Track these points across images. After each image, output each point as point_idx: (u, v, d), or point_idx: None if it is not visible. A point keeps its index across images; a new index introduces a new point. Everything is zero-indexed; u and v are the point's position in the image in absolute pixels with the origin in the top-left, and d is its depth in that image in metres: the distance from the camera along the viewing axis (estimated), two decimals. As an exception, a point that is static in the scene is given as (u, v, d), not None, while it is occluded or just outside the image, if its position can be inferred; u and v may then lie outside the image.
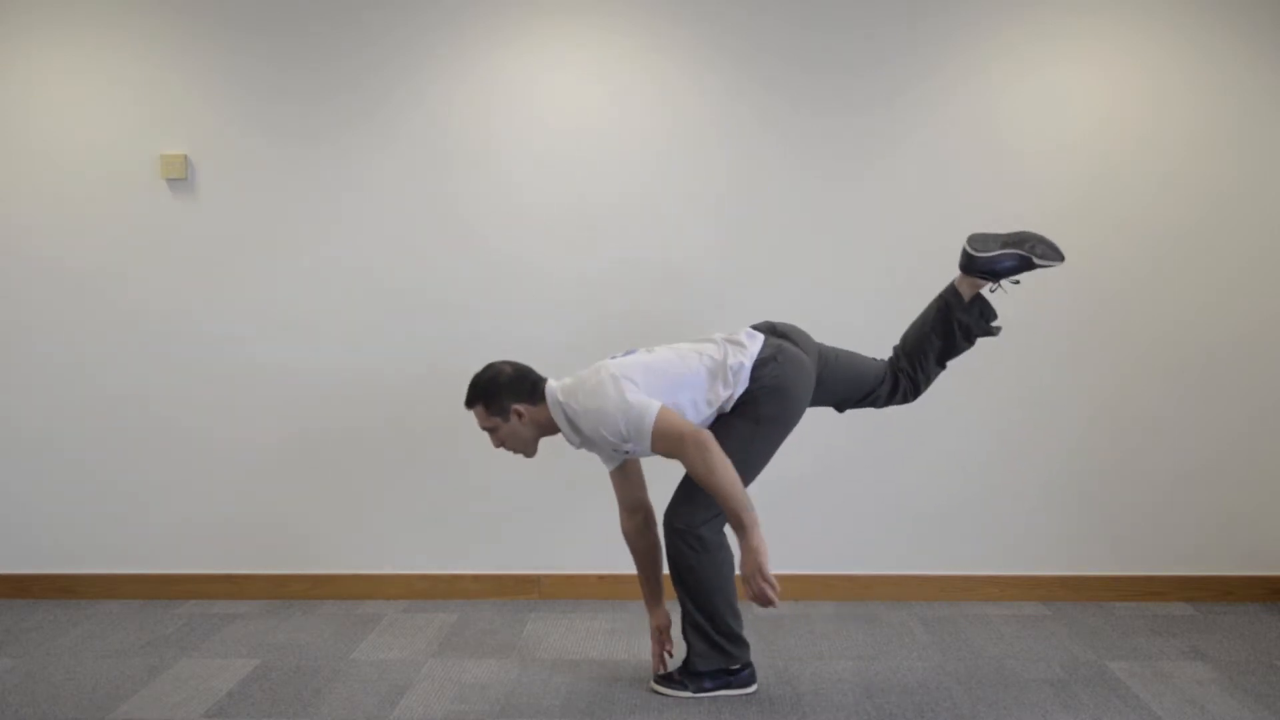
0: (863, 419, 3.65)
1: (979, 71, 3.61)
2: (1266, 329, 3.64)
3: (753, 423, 2.79)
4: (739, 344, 2.84)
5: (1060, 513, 3.68)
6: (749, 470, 2.80)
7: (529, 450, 2.91)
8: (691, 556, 2.80)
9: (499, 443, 2.88)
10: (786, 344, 2.86)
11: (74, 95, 3.65)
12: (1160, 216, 3.62)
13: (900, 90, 3.60)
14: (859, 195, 3.63)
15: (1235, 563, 3.68)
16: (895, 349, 3.08)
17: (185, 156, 3.65)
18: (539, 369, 3.65)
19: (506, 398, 2.82)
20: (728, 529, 2.80)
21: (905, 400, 3.07)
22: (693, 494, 2.79)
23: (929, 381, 3.07)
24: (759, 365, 2.80)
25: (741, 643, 2.88)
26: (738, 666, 2.87)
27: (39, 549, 3.74)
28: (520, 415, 2.82)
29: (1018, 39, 3.60)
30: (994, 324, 3.01)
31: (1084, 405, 3.66)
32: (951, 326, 2.98)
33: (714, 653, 2.85)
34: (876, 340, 3.63)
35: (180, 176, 3.64)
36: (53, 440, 3.71)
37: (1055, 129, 3.61)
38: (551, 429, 2.85)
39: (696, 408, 2.77)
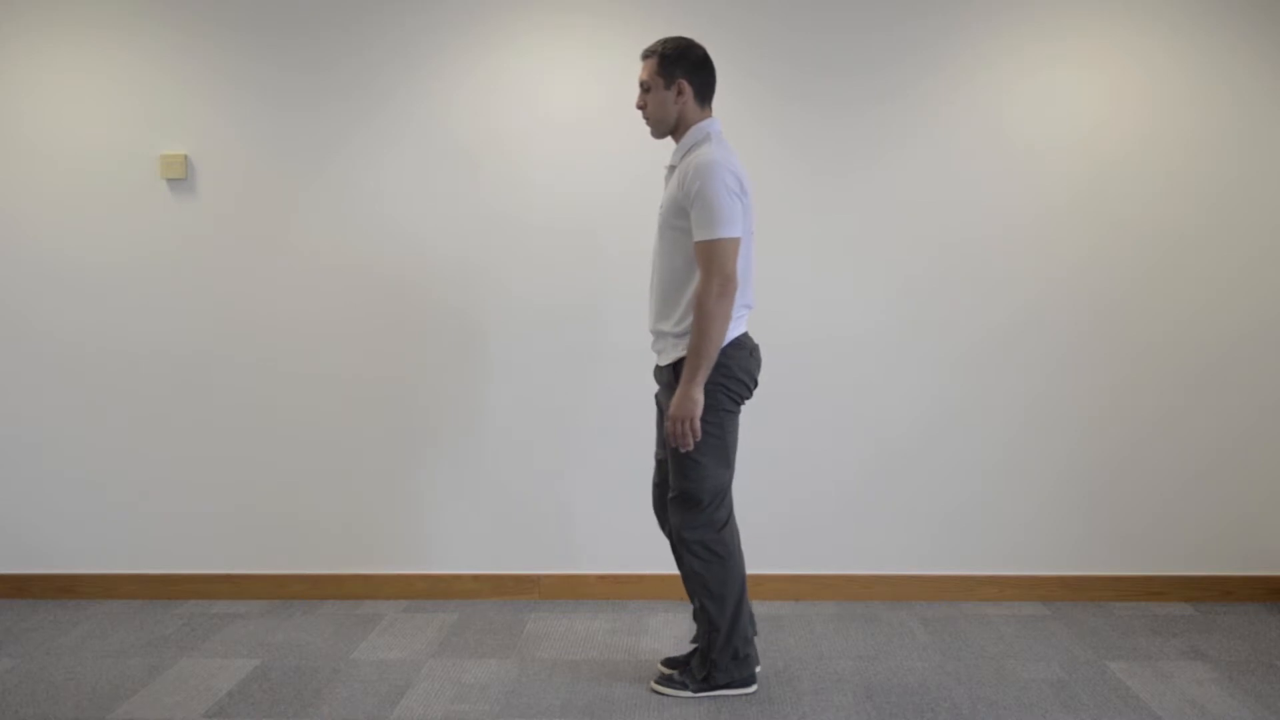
0: (863, 420, 3.66)
1: (979, 72, 3.60)
2: (1266, 329, 3.64)
3: (725, 413, 2.79)
4: (743, 319, 2.85)
5: (1060, 513, 3.68)
6: (730, 454, 2.82)
7: (658, 129, 2.85)
8: (717, 565, 2.80)
9: (643, 104, 2.83)
10: (757, 351, 2.88)
11: (74, 95, 3.65)
12: (1160, 216, 3.62)
13: (900, 91, 3.60)
14: (859, 195, 3.63)
15: (1235, 563, 3.68)
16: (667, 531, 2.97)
17: (185, 156, 3.65)
18: (539, 366, 3.67)
19: (683, 71, 2.79)
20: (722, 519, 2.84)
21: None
22: (698, 497, 2.79)
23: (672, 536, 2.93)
24: (737, 346, 2.79)
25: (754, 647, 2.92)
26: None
27: (39, 549, 3.74)
28: (680, 92, 2.79)
29: (1018, 39, 3.60)
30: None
31: (1084, 406, 3.66)
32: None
33: (736, 665, 2.86)
34: (878, 339, 3.64)
35: (180, 176, 3.64)
36: (53, 440, 3.71)
37: (1055, 129, 3.60)
38: (682, 131, 2.82)
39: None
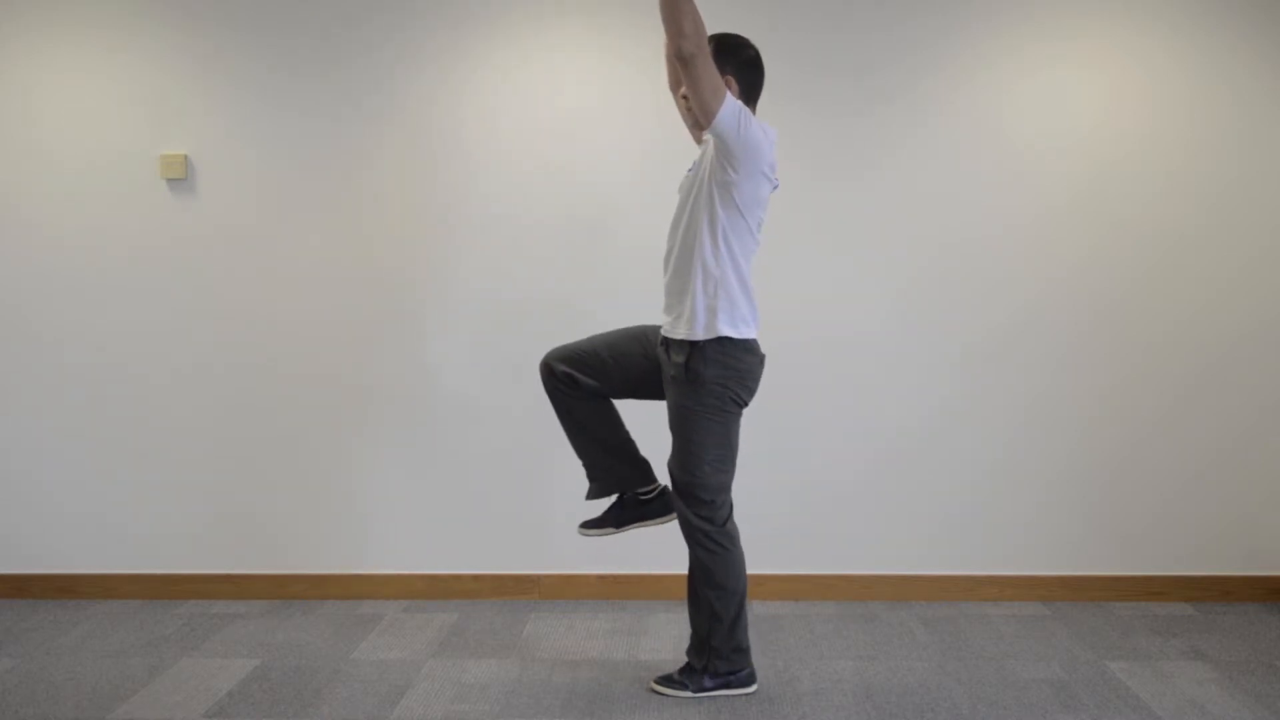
0: (862, 420, 3.66)
1: (979, 72, 3.60)
2: (1266, 329, 3.64)
3: (730, 414, 2.80)
4: (757, 321, 2.85)
5: (1060, 513, 3.68)
6: (733, 452, 2.83)
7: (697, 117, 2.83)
8: (723, 555, 2.81)
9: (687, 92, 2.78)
10: (763, 360, 2.87)
11: (74, 95, 3.65)
12: (1160, 216, 3.62)
13: (900, 91, 3.60)
14: (859, 195, 3.63)
15: (1235, 563, 3.68)
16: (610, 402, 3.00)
17: (185, 156, 3.65)
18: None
19: (732, 66, 2.78)
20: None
21: (560, 375, 2.95)
22: (698, 493, 2.79)
23: (558, 396, 2.97)
24: (748, 350, 2.79)
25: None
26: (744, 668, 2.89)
27: (39, 549, 3.74)
28: (730, 86, 2.75)
29: (1018, 39, 3.60)
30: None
31: (1084, 406, 3.66)
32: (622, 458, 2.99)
33: (738, 655, 2.86)
34: (878, 339, 3.64)
35: (180, 176, 3.64)
36: (53, 440, 3.71)
37: (1056, 129, 3.60)
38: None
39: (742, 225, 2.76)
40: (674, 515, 2.93)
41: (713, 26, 3.57)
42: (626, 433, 3.01)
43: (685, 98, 2.82)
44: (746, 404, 2.85)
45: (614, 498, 3.02)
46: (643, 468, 3.00)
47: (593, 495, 3.03)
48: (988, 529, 3.68)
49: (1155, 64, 3.60)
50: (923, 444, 3.67)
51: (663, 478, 2.99)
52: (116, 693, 2.91)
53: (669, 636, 3.33)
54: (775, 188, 2.85)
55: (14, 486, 3.73)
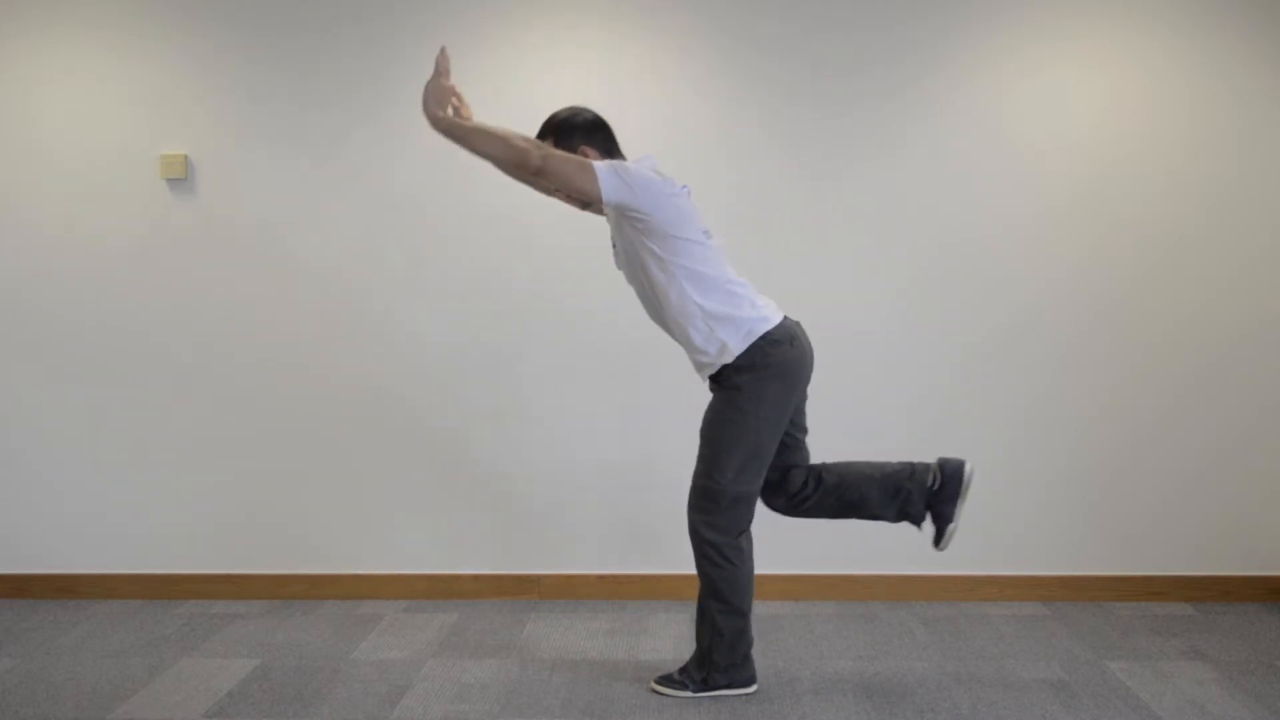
0: (863, 420, 3.66)
1: (979, 72, 3.61)
2: (1266, 329, 3.64)
3: (764, 420, 2.77)
4: (768, 307, 2.82)
5: (1060, 513, 3.68)
6: (761, 464, 2.80)
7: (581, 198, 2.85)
8: (730, 571, 2.79)
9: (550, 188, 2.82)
10: (800, 335, 2.85)
11: (74, 95, 3.65)
12: (1160, 216, 3.62)
13: (900, 90, 3.60)
14: (859, 195, 3.63)
15: (1235, 563, 3.68)
16: (823, 466, 2.95)
17: (185, 156, 3.65)
18: (539, 366, 3.67)
19: (580, 137, 2.81)
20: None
21: (785, 506, 2.95)
22: (718, 499, 2.77)
23: (808, 513, 2.94)
24: (774, 342, 2.77)
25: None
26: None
27: (39, 549, 3.74)
28: (588, 155, 2.78)
29: (1018, 39, 3.60)
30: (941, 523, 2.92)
31: (1084, 406, 3.66)
32: (898, 495, 2.91)
33: (736, 668, 2.86)
34: (878, 339, 3.64)
35: (180, 176, 3.64)
36: (53, 440, 3.71)
37: (1055, 129, 3.61)
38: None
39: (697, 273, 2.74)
40: (966, 461, 2.88)
41: (715, 24, 3.58)
42: (867, 469, 2.92)
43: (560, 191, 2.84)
44: (793, 397, 2.80)
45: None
46: (908, 473, 2.91)
47: (919, 525, 2.97)
48: (988, 529, 3.68)
49: (1155, 64, 3.60)
50: (923, 444, 3.67)
51: (912, 460, 2.98)
52: (116, 693, 2.91)
53: (669, 636, 3.34)
54: (689, 192, 2.82)
55: (14, 486, 3.73)
